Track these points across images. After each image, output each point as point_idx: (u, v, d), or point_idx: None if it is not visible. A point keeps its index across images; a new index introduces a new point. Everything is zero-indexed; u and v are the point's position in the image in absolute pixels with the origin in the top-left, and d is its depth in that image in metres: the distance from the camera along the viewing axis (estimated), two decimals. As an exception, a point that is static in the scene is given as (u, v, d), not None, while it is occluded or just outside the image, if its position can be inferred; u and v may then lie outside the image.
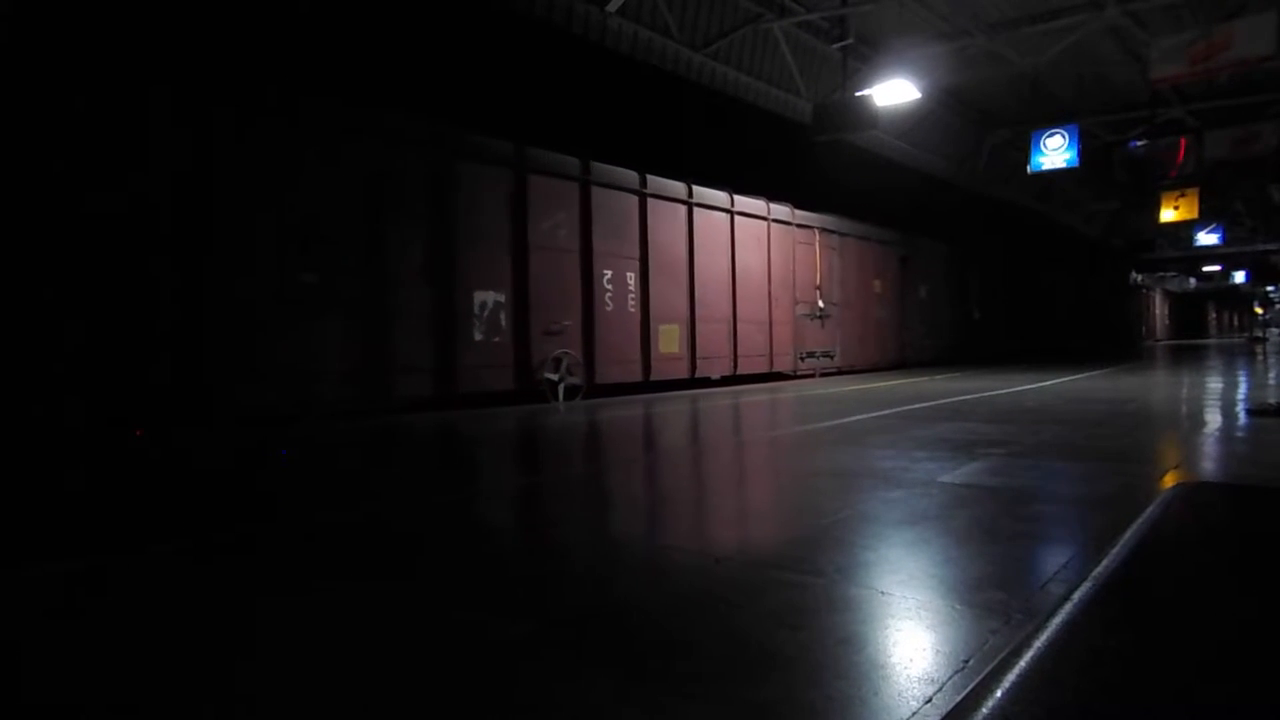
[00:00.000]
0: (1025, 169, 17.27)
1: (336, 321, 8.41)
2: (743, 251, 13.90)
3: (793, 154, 15.62)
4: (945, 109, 18.41)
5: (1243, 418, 7.42)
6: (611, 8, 11.52)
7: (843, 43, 13.70)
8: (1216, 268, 45.49)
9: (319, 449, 6.63)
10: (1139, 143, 17.07)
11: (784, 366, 14.91)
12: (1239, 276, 48.13)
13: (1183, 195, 21.13)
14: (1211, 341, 44.71)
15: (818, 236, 15.83)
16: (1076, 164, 16.33)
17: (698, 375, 12.91)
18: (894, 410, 8.50)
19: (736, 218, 13.81)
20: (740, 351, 13.81)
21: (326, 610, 2.51)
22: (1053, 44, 13.79)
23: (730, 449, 6.46)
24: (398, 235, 9.02)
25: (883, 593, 2.52)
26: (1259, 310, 56.15)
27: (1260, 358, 21.33)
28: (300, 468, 5.66)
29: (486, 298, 9.87)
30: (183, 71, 7.42)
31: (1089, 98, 17.38)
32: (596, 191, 11.30)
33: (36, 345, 6.51)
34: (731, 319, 13.66)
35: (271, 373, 7.83)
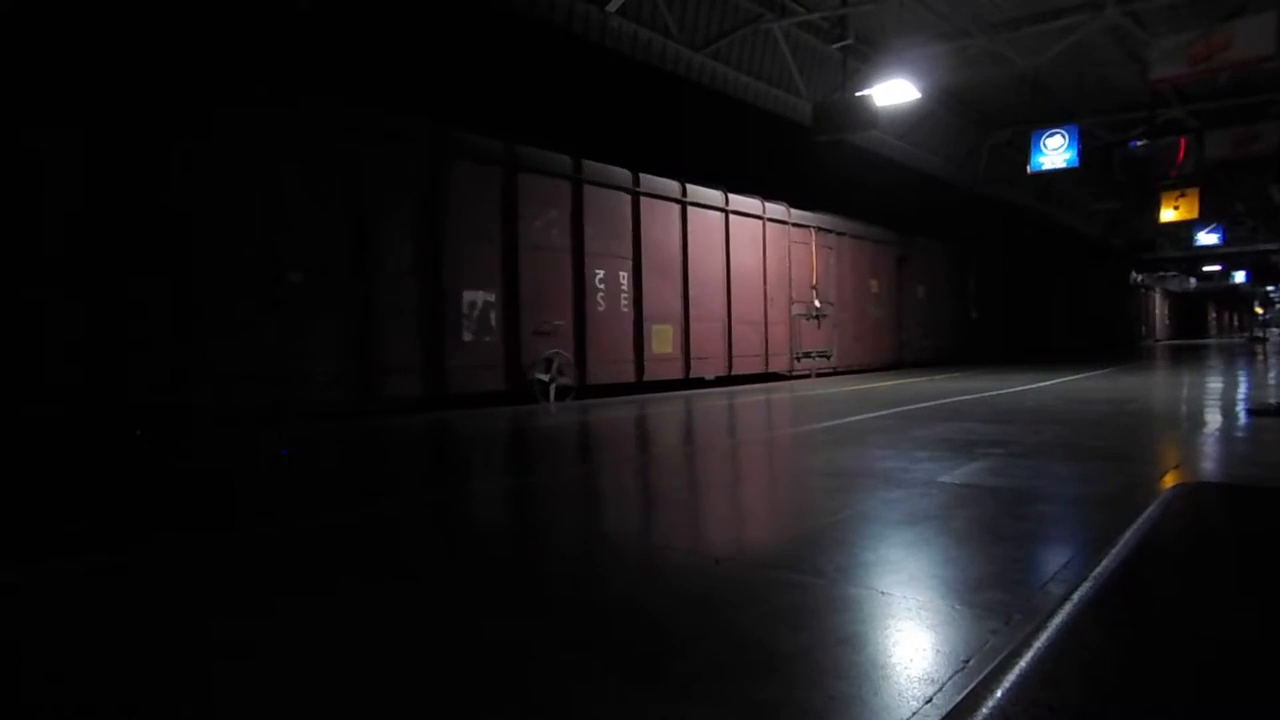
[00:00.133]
0: (1025, 169, 17.27)
1: (322, 321, 8.33)
2: (738, 251, 13.83)
3: (792, 154, 15.62)
4: (945, 109, 18.41)
5: (1243, 417, 7.42)
6: (611, 8, 11.51)
7: (843, 43, 13.69)
8: (1216, 268, 45.50)
9: (307, 451, 6.62)
10: (1139, 143, 17.07)
11: (780, 367, 14.86)
12: (1239, 276, 48.15)
13: (1183, 195, 21.12)
14: (1211, 341, 44.70)
15: (814, 236, 15.77)
16: (1076, 164, 16.33)
17: (692, 376, 12.84)
18: (892, 411, 8.50)
19: (731, 216, 13.74)
20: (735, 352, 13.74)
21: (335, 610, 2.51)
22: (1053, 44, 13.78)
23: (728, 450, 6.46)
24: (385, 233, 8.94)
25: (883, 593, 2.52)
26: (1259, 310, 56.16)
27: (1260, 358, 21.33)
28: (291, 469, 5.66)
29: (476, 297, 9.80)
30: (165, 64, 7.37)
31: (1089, 98, 17.36)
32: (589, 190, 11.23)
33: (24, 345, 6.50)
34: (726, 319, 13.60)
35: (254, 373, 7.75)
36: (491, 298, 9.97)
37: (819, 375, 15.57)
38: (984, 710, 0.84)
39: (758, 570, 2.84)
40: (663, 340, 12.36)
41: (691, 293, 12.85)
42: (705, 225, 13.25)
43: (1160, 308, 53.45)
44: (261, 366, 7.80)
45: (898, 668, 1.97)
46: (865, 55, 14.32)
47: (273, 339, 7.89)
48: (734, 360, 13.72)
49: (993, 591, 2.50)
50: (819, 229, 15.93)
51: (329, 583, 2.83)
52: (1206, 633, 1.11)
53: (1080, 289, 34.03)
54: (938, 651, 2.06)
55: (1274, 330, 51.51)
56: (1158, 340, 48.39)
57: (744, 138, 15.83)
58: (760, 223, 14.42)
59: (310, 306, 8.23)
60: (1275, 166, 20.20)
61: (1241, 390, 10.87)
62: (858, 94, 12.70)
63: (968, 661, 1.97)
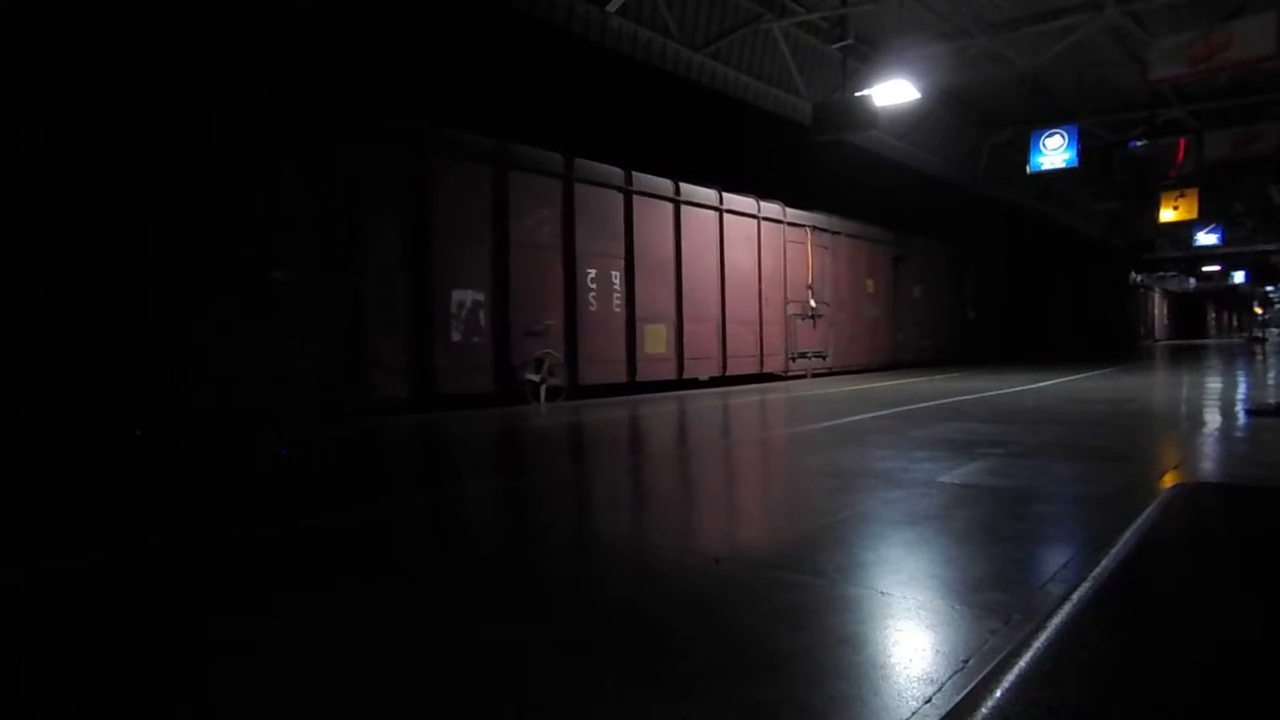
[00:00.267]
0: (1025, 169, 17.27)
1: (307, 321, 8.21)
2: (732, 250, 13.74)
3: (791, 154, 15.61)
4: (945, 109, 18.42)
5: (1242, 417, 7.43)
6: (611, 8, 11.51)
7: (842, 43, 13.70)
8: (1216, 268, 45.51)
9: (299, 452, 6.59)
10: (1139, 143, 17.08)
11: (775, 367, 14.78)
12: (1238, 276, 48.17)
13: (1182, 195, 21.14)
14: (1211, 341, 44.73)
15: (809, 235, 15.69)
16: (1076, 164, 16.33)
17: (685, 376, 12.75)
18: (891, 411, 8.51)
19: (726, 216, 13.65)
20: (729, 352, 13.66)
21: (335, 610, 2.51)
22: (1053, 44, 13.78)
23: (725, 450, 6.46)
24: (373, 232, 8.83)
25: (883, 593, 2.52)
26: (1258, 310, 56.17)
27: (1260, 358, 21.34)
28: (289, 469, 5.66)
29: (465, 297, 9.69)
30: (165, 64, 7.35)
31: (1089, 98, 17.37)
32: (581, 188, 11.13)
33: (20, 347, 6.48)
34: (720, 319, 13.51)
35: (247, 373, 7.67)
36: (481, 297, 9.87)
37: (815, 376, 15.53)
38: (983, 710, 0.84)
39: (757, 570, 2.84)
40: (656, 340, 12.28)
41: (685, 292, 12.76)
42: (699, 224, 13.17)
43: (1160, 308, 53.49)
44: (255, 366, 7.72)
45: (897, 668, 1.97)
46: (865, 55, 14.33)
47: (264, 339, 7.81)
48: (728, 360, 13.63)
49: (992, 591, 2.50)
50: (815, 228, 15.86)
51: (329, 582, 2.83)
52: (1206, 633, 1.11)
53: (1080, 289, 34.05)
54: (937, 651, 2.06)
55: (1273, 330, 51.54)
56: (1157, 340, 48.42)
57: (743, 138, 15.81)
58: (755, 222, 14.34)
59: (297, 306, 8.11)
60: (1275, 167, 20.21)
61: (1241, 390, 10.88)
62: (857, 94, 12.70)
63: (967, 661, 1.97)
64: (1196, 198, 21.13)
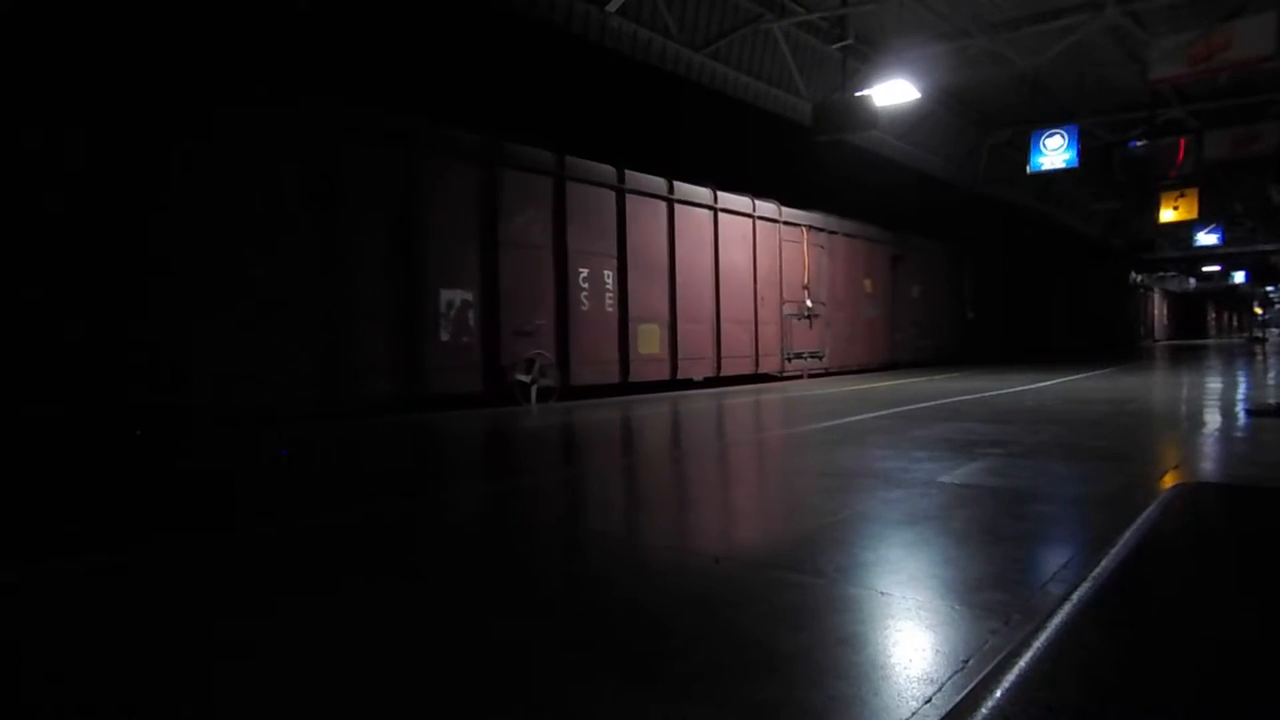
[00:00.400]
0: (1025, 169, 17.26)
1: (293, 321, 8.14)
2: (727, 249, 13.67)
3: (791, 154, 15.60)
4: (945, 109, 18.42)
5: (1242, 418, 7.43)
6: (611, 8, 11.52)
7: (842, 43, 13.70)
8: (1216, 268, 45.54)
9: (282, 454, 6.52)
10: (1139, 143, 17.08)
11: (770, 368, 14.71)
12: (1238, 277, 48.20)
13: (1182, 195, 21.15)
14: (1211, 342, 44.74)
15: (805, 234, 15.61)
16: (1076, 164, 16.33)
17: (679, 377, 12.66)
18: (890, 411, 8.51)
19: (720, 215, 13.58)
20: (724, 352, 13.57)
21: (336, 610, 2.51)
22: (1053, 44, 13.79)
23: (722, 451, 6.45)
24: (360, 230, 8.76)
25: (882, 593, 2.52)
26: (1258, 310, 56.18)
27: (1260, 358, 21.34)
28: (288, 470, 5.66)
29: (454, 296, 9.61)
30: (131, 60, 7.31)
31: (1089, 98, 17.37)
32: (572, 186, 11.04)
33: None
34: (715, 319, 13.43)
35: (219, 375, 7.59)
36: (470, 296, 9.79)
37: (811, 376, 15.49)
38: (983, 710, 0.84)
39: (757, 570, 2.84)
40: (649, 340, 12.18)
41: (679, 292, 12.68)
42: (694, 223, 13.09)
43: (1159, 308, 53.49)
44: (222, 368, 7.59)
45: (897, 668, 1.97)
46: (865, 55, 14.33)
47: (237, 339, 7.69)
48: (723, 361, 13.54)
49: (992, 591, 2.50)
50: (811, 227, 15.77)
51: (329, 582, 2.83)
52: (1205, 633, 1.11)
53: (1080, 289, 34.06)
54: (937, 651, 2.07)
55: (1273, 330, 51.54)
56: (1157, 340, 48.42)
57: (743, 138, 15.79)
58: (750, 221, 14.25)
59: (278, 305, 8.02)
60: (1275, 167, 20.21)
61: (1240, 390, 10.88)
62: (857, 94, 12.70)
63: (967, 661, 1.97)
64: (1196, 198, 21.14)
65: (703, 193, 13.28)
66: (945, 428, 6.83)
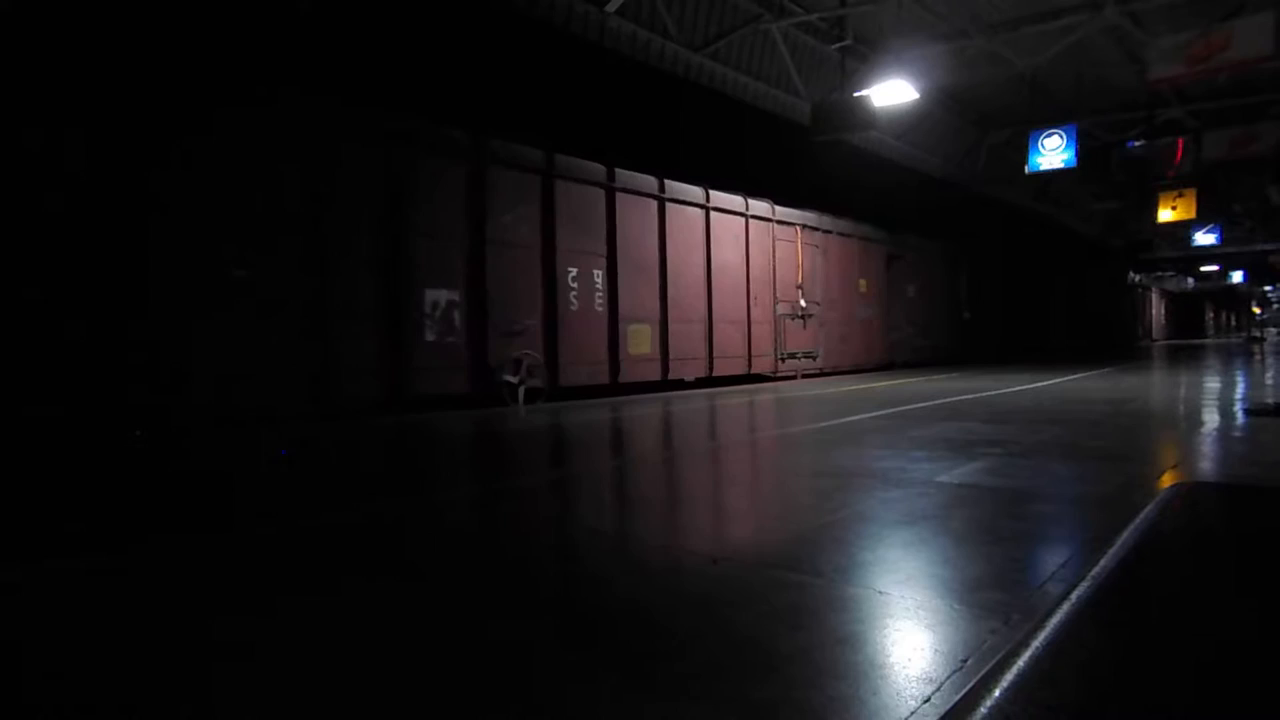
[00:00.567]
0: (1024, 169, 17.28)
1: (273, 320, 8.04)
2: (719, 249, 13.54)
3: (789, 154, 15.59)
4: (944, 109, 18.43)
5: (1240, 417, 7.44)
6: (611, 8, 11.52)
7: (841, 43, 13.72)
8: (1214, 268, 45.61)
9: (269, 456, 6.51)
10: (1137, 143, 17.11)
11: (764, 368, 14.62)
12: (1237, 276, 48.26)
13: (1180, 195, 21.16)
14: (1209, 341, 44.77)
15: (799, 233, 15.51)
16: (1075, 164, 16.35)
17: (671, 377, 12.54)
18: (887, 411, 8.51)
19: (713, 213, 13.46)
20: (716, 352, 13.46)
21: (336, 610, 2.51)
22: (1052, 44, 13.80)
23: (717, 452, 6.45)
24: (350, 229, 8.67)
25: (881, 593, 2.52)
26: (1256, 310, 56.26)
27: (1258, 357, 21.36)
28: (285, 470, 5.66)
29: (439, 296, 9.49)
30: (130, 60, 7.29)
31: (1088, 98, 17.39)
32: (561, 185, 10.93)
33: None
34: (707, 318, 13.32)
35: (219, 375, 7.53)
36: (455, 296, 9.66)
37: (805, 376, 15.40)
38: (982, 710, 0.84)
39: (756, 570, 2.84)
40: (640, 340, 12.06)
41: (670, 291, 12.55)
42: (685, 222, 12.99)
43: (1158, 307, 53.54)
44: (200, 369, 7.51)
45: (896, 667, 1.98)
46: (864, 56, 14.34)
47: (216, 339, 7.61)
48: (715, 361, 13.43)
49: (991, 591, 2.51)
50: (805, 226, 15.66)
51: (329, 582, 2.83)
52: (1205, 632, 1.11)
53: (1078, 289, 34.09)
54: (936, 651, 2.07)
55: (1271, 330, 51.63)
56: (1155, 340, 48.46)
57: (741, 138, 15.77)
58: (743, 219, 14.15)
59: (258, 304, 7.92)
60: (1273, 167, 20.25)
61: (1239, 390, 10.89)
62: (856, 94, 12.70)
63: (966, 661, 1.97)
64: (1195, 198, 21.15)
65: (695, 191, 13.16)
66: (943, 428, 6.83)
